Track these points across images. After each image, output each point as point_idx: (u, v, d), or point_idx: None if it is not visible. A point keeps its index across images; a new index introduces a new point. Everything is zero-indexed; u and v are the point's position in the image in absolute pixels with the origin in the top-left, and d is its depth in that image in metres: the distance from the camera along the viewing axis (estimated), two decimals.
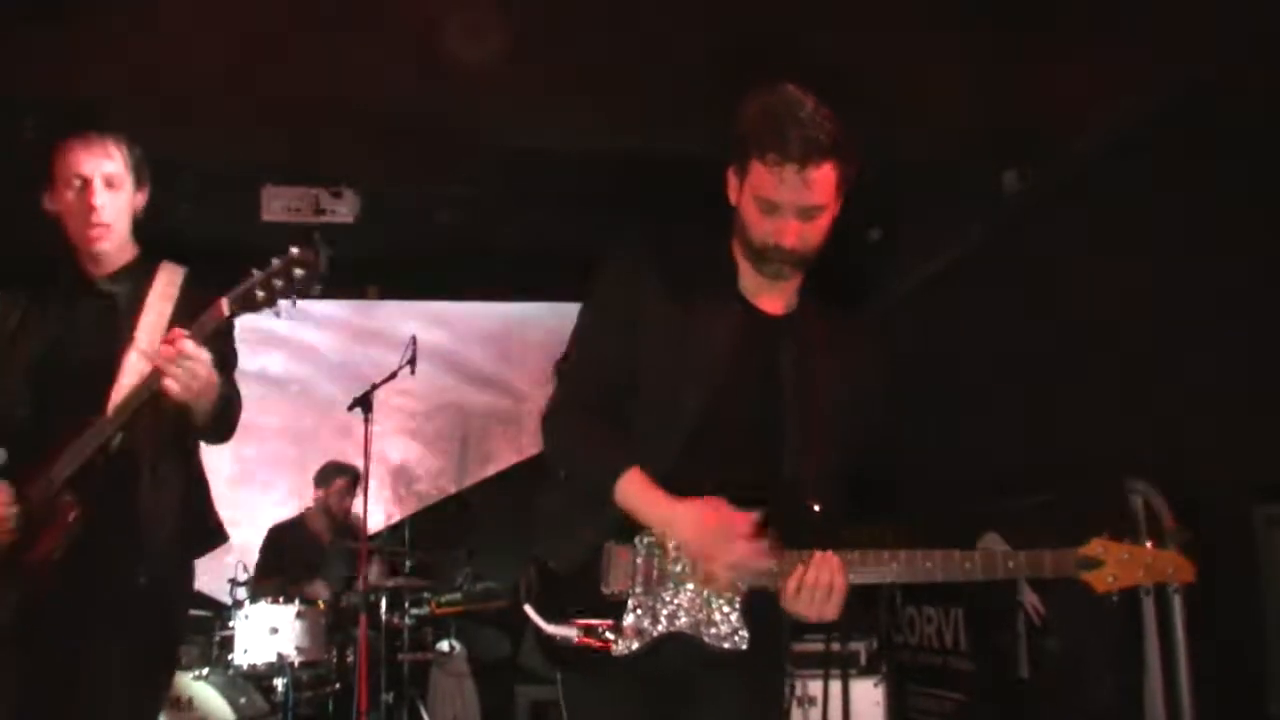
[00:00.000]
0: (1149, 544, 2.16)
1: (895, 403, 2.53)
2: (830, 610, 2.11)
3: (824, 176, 2.12)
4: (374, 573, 5.72)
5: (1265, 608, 3.46)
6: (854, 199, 2.23)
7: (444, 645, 6.41)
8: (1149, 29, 3.90)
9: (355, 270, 6.64)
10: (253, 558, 6.15)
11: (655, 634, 2.17)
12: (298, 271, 2.38)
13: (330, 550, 6.32)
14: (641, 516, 2.18)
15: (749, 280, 2.30)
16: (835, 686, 4.72)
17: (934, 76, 4.43)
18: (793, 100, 2.12)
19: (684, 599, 2.18)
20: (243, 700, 5.05)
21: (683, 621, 2.17)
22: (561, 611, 2.20)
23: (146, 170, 2.78)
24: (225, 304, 2.44)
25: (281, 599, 5.49)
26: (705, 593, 2.18)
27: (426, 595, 6.28)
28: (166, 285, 2.74)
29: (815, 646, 4.78)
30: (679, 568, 2.19)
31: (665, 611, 2.18)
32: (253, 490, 7.35)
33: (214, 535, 2.84)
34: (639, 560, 2.20)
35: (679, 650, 2.17)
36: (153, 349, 2.58)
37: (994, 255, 5.37)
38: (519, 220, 6.21)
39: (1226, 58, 3.80)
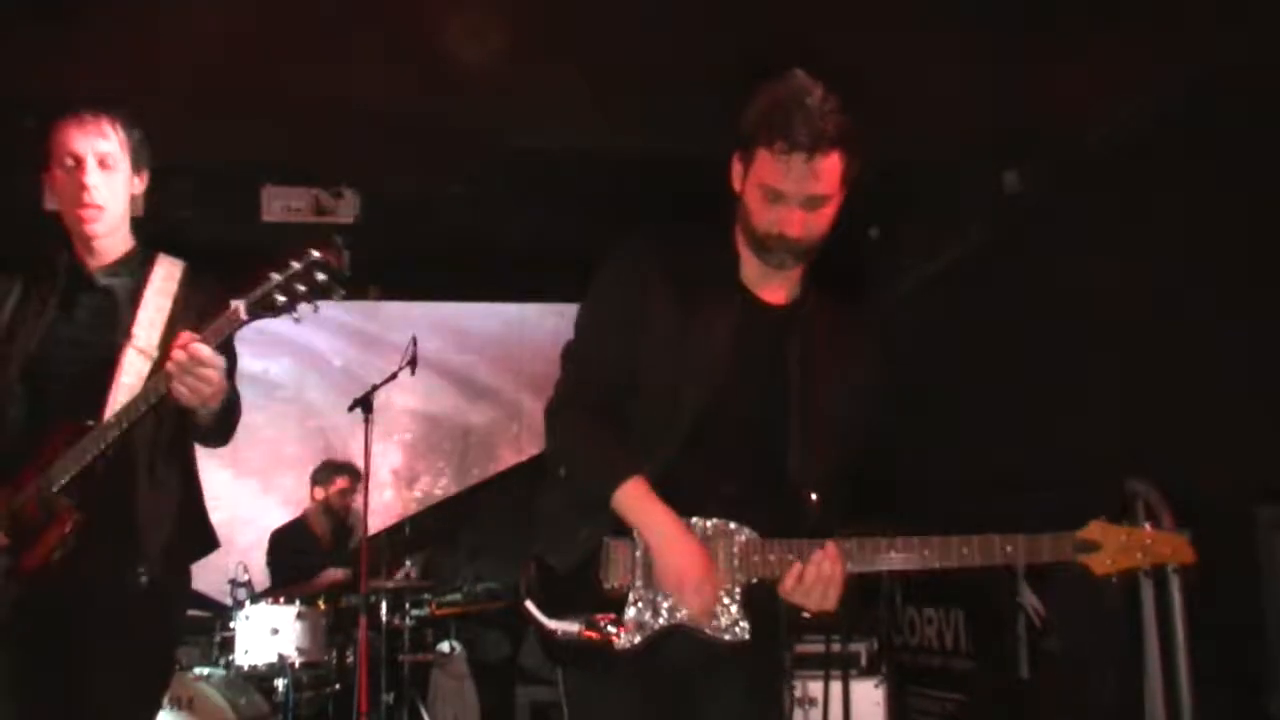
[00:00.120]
0: (1147, 525, 2.17)
1: (894, 401, 2.53)
2: (829, 601, 2.11)
3: (831, 166, 2.11)
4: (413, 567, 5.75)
5: (1265, 608, 3.46)
6: (854, 198, 2.23)
7: (444, 646, 6.41)
8: (1149, 29, 3.90)
9: (355, 270, 6.60)
10: (253, 559, 6.14)
11: (656, 627, 2.17)
12: (319, 275, 2.26)
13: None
14: (636, 527, 2.19)
15: (751, 270, 2.29)
16: (836, 687, 4.71)
17: (934, 76, 4.43)
18: (801, 89, 2.11)
19: None
20: (243, 701, 5.05)
21: (683, 614, 2.17)
22: (562, 608, 2.20)
23: (147, 153, 2.68)
24: (242, 308, 2.30)
25: (297, 601, 5.50)
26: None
27: (427, 596, 6.27)
28: (165, 279, 2.67)
29: (816, 647, 4.77)
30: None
31: (666, 605, 2.18)
32: (253, 492, 7.35)
33: (210, 540, 2.78)
34: (638, 554, 2.20)
35: (680, 647, 2.17)
36: (150, 345, 2.54)
37: (994, 255, 5.37)
38: (519, 220, 6.21)
39: (1226, 58, 3.80)
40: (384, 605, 5.77)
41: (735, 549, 2.17)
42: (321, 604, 5.65)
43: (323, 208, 5.66)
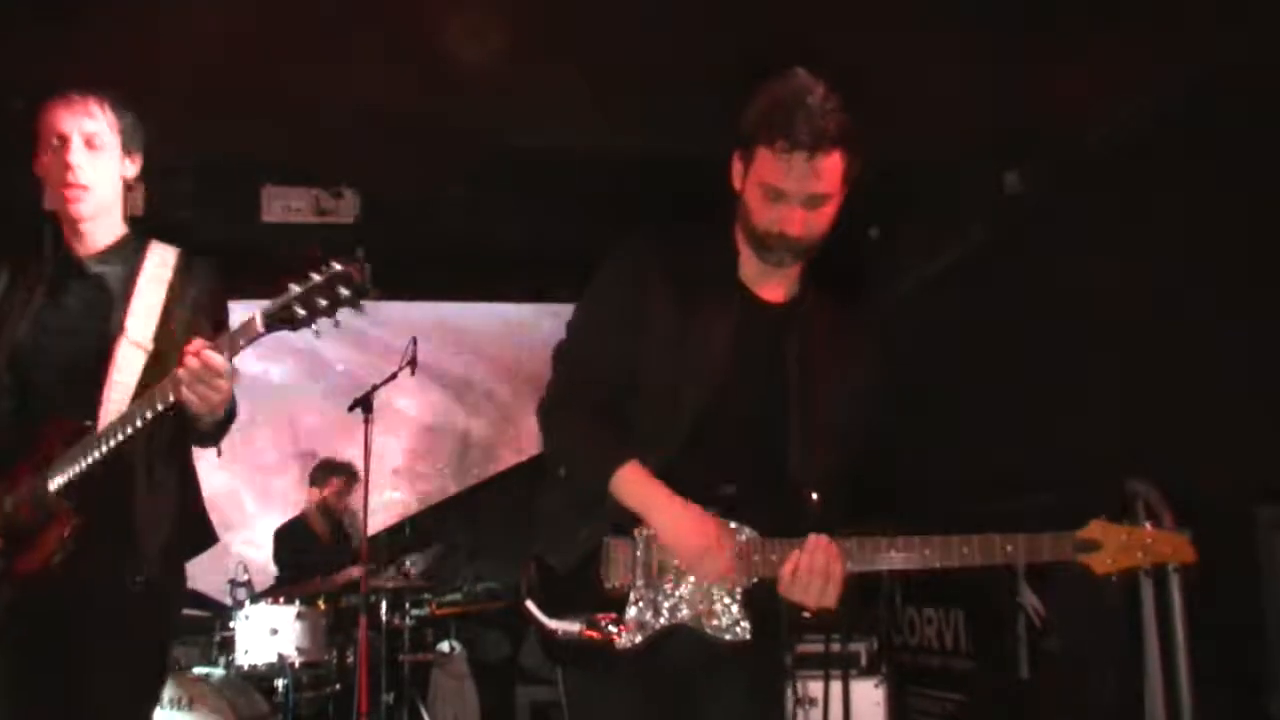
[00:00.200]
0: (1148, 524, 2.17)
1: (894, 401, 2.53)
2: (829, 598, 2.11)
3: (832, 165, 2.11)
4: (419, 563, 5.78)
5: (1265, 608, 3.46)
6: (854, 198, 2.23)
7: (444, 646, 6.41)
8: (1149, 29, 3.90)
9: None
10: (254, 559, 6.15)
11: (657, 626, 2.17)
12: (341, 290, 2.14)
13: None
14: (638, 510, 2.18)
15: (750, 268, 2.29)
16: (836, 687, 4.71)
17: (934, 76, 4.42)
18: (802, 88, 2.11)
19: (685, 591, 2.19)
20: (243, 701, 5.05)
21: (684, 614, 2.17)
22: (563, 607, 2.20)
23: (139, 136, 2.61)
24: (260, 319, 2.21)
25: (296, 600, 5.50)
26: (706, 585, 2.18)
27: (427, 596, 6.28)
28: (158, 266, 2.60)
29: (816, 647, 4.77)
30: (678, 560, 2.19)
31: (667, 604, 2.18)
32: (253, 492, 7.35)
33: (207, 537, 2.77)
34: (639, 553, 2.20)
35: (681, 646, 2.17)
36: (145, 338, 2.50)
37: (994, 255, 5.37)
38: (519, 220, 6.21)
39: (1226, 58, 3.80)
40: (384, 605, 5.77)
41: (736, 549, 2.17)
42: (321, 604, 5.66)
43: (323, 208, 5.66)
